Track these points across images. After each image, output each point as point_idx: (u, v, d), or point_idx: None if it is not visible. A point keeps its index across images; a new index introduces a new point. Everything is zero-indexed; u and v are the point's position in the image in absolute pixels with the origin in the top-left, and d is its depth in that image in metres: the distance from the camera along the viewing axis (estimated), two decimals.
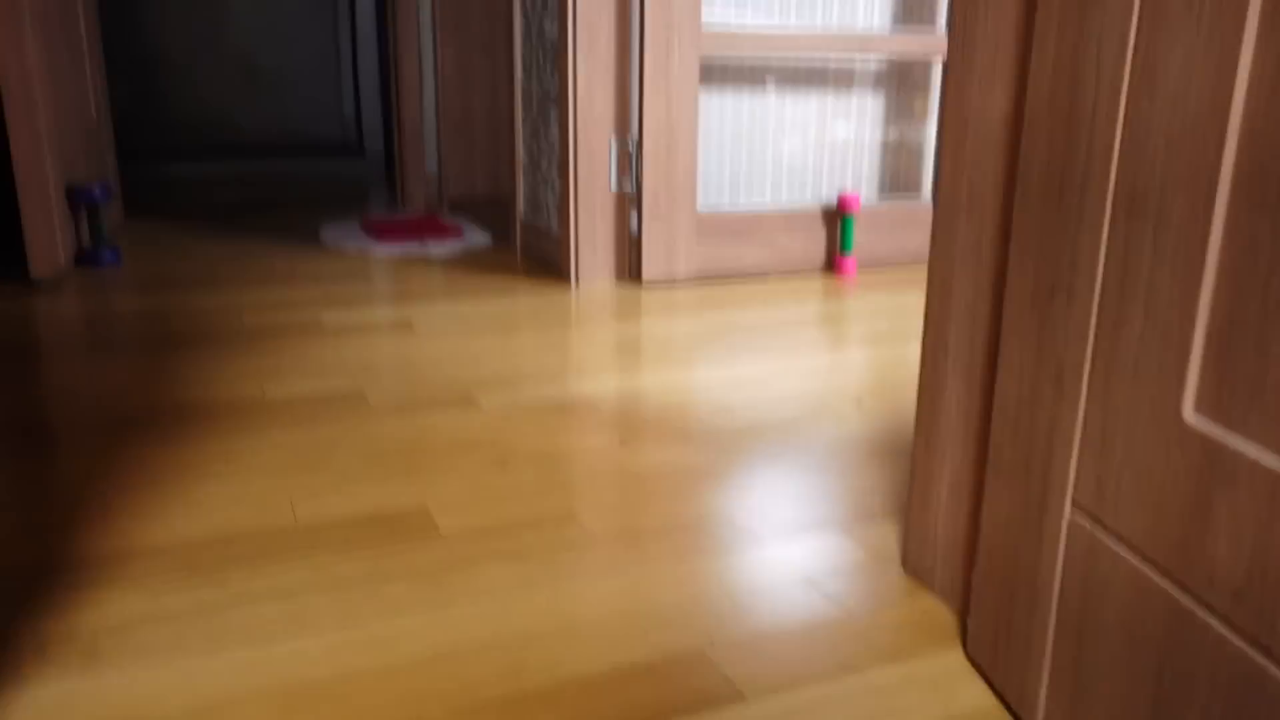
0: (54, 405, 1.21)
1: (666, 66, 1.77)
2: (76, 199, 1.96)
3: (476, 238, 2.33)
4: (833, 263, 2.01)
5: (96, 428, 1.14)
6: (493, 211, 2.56)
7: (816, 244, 1.99)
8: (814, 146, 2.02)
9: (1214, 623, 0.49)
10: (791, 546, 0.86)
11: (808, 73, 1.98)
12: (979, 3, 0.71)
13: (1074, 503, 0.60)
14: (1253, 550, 0.47)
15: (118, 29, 3.21)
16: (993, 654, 0.68)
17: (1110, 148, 0.56)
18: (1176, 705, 0.52)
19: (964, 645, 0.72)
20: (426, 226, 2.45)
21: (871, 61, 2.02)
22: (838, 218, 1.99)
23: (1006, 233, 0.71)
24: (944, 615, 0.76)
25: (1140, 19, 0.53)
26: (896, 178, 2.12)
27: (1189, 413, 0.51)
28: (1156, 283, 0.53)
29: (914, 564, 0.82)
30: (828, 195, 2.05)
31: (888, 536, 0.88)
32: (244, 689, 0.66)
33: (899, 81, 2.06)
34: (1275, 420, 0.46)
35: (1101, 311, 0.57)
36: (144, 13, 3.23)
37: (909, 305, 1.73)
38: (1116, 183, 0.56)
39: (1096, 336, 0.58)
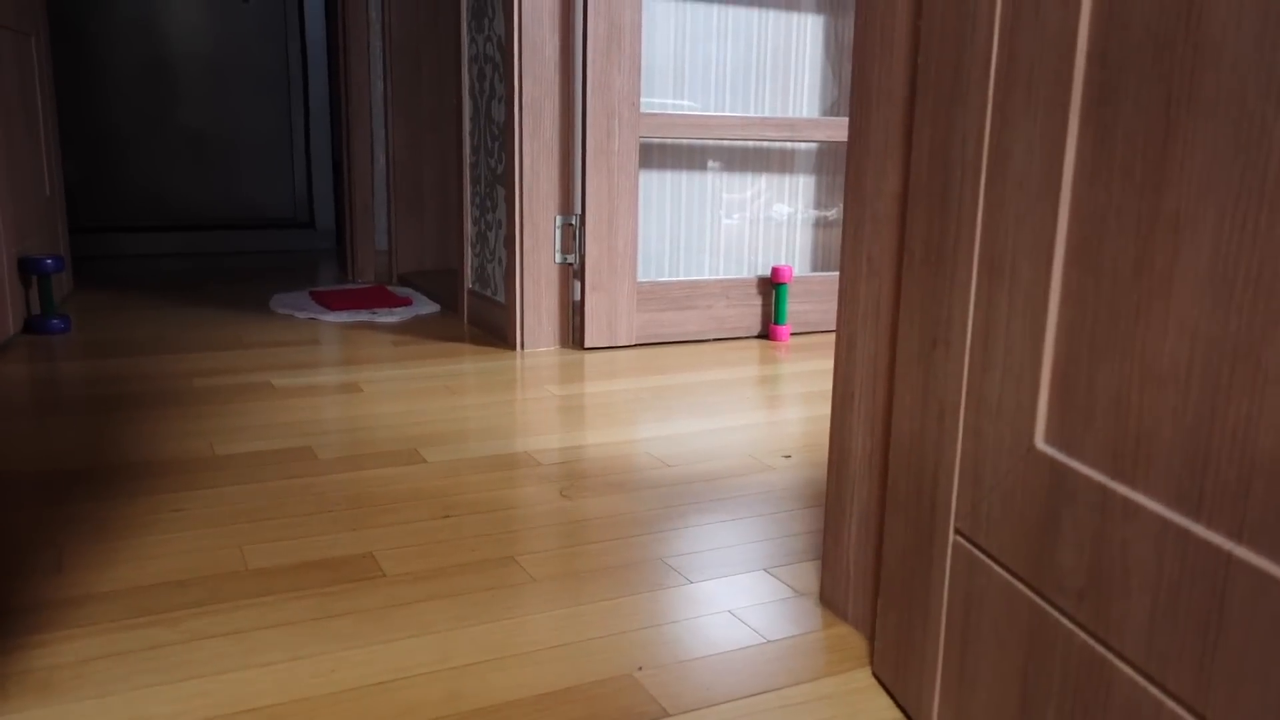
0: (1, 462, 1.23)
1: (607, 147, 1.89)
2: (28, 270, 1.99)
3: (425, 307, 2.40)
4: (767, 330, 2.11)
5: (45, 484, 1.16)
6: (441, 283, 2.63)
7: (752, 312, 2.10)
8: (750, 222, 2.15)
9: (1063, 621, 0.57)
10: (718, 585, 0.93)
11: (744, 154, 2.12)
12: (871, 98, 0.82)
13: (956, 528, 0.68)
14: (1090, 556, 0.55)
15: (71, 106, 3.26)
16: (894, 670, 0.75)
17: (974, 221, 0.66)
18: (1038, 698, 0.59)
19: (871, 665, 0.79)
20: (376, 296, 2.51)
21: (804, 145, 2.16)
22: (772, 288, 2.10)
23: (898, 294, 0.80)
24: (855, 641, 0.83)
25: (993, 117, 0.63)
26: (827, 252, 2.25)
27: (1040, 442, 0.59)
28: (1012, 332, 0.62)
29: (829, 597, 0.89)
30: (763, 267, 2.17)
31: (808, 575, 0.95)
32: (195, 715, 0.70)
33: (831, 165, 2.21)
34: (1102, 445, 0.54)
35: (972, 359, 0.66)
36: (97, 90, 3.29)
37: None
38: (980, 250, 0.66)
39: (968, 380, 0.67)
